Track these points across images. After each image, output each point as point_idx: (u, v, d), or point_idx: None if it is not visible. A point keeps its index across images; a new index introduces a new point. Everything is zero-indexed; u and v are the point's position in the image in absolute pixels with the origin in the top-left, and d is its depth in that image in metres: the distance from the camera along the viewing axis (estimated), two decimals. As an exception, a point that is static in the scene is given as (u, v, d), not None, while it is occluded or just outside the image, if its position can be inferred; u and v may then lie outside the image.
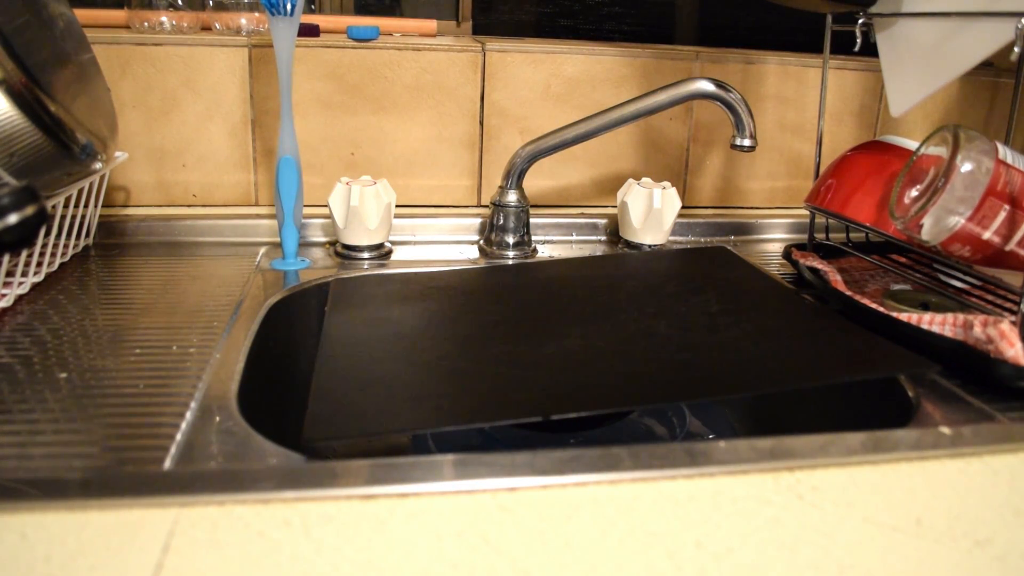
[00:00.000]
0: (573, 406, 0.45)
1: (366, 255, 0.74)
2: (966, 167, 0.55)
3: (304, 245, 0.77)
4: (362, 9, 1.01)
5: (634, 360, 0.52)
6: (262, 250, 0.75)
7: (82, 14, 0.71)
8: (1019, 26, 0.55)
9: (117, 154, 0.74)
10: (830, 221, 0.73)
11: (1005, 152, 0.56)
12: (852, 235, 0.76)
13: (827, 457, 0.40)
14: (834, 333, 0.56)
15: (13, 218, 0.38)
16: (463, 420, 0.45)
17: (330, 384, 0.48)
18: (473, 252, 0.79)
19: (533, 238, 0.82)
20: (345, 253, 0.74)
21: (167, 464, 0.39)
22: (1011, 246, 0.56)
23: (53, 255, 0.66)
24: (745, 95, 0.71)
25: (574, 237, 0.85)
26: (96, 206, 0.71)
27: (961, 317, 0.54)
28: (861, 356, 0.52)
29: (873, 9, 0.70)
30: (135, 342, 0.53)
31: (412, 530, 0.34)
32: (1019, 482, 0.39)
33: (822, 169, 0.74)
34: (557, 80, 0.86)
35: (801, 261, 0.70)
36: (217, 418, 0.44)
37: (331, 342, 0.55)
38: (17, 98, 0.53)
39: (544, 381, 0.49)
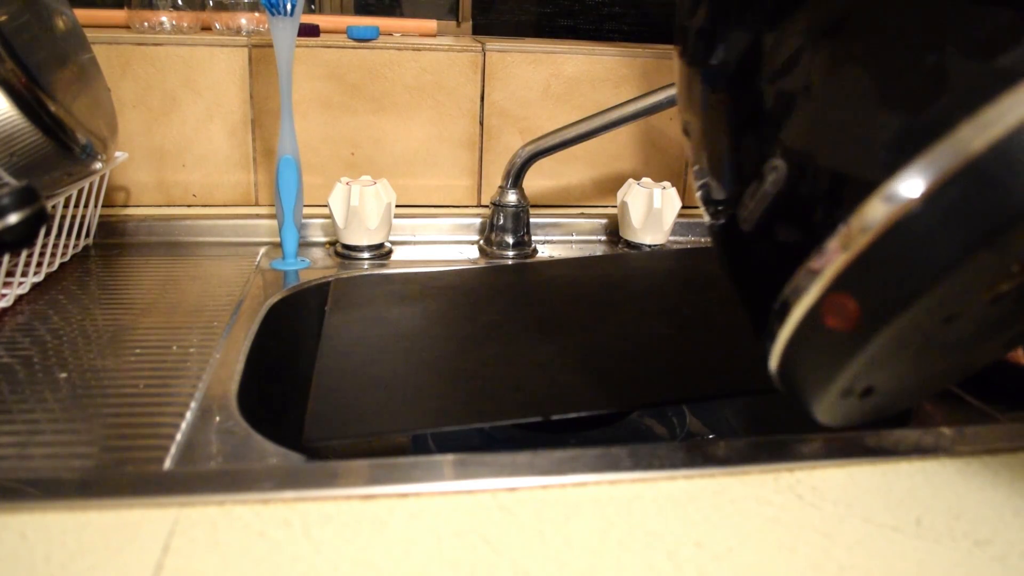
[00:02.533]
0: (573, 406, 0.45)
1: (366, 255, 0.74)
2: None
3: (304, 245, 0.77)
4: (362, 9, 1.01)
5: (634, 360, 0.52)
6: (262, 250, 0.75)
7: (82, 14, 0.71)
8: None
9: (117, 154, 0.74)
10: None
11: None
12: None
13: (827, 457, 0.40)
14: None
15: (13, 218, 0.38)
16: (463, 420, 0.45)
17: (330, 384, 0.48)
18: (473, 252, 0.79)
19: (533, 238, 0.82)
20: (345, 253, 0.74)
21: (167, 464, 0.39)
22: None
23: (53, 255, 0.66)
24: (745, 95, 0.71)
25: (574, 237, 0.85)
26: (96, 206, 0.71)
27: (961, 317, 0.54)
28: None
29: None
30: (135, 342, 0.53)
31: (412, 530, 0.34)
32: (1019, 482, 0.39)
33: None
34: (557, 80, 0.86)
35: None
36: (217, 418, 0.44)
37: (331, 342, 0.55)
38: (17, 98, 0.53)
39: (544, 381, 0.49)
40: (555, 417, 0.44)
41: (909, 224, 0.25)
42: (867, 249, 0.26)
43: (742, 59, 0.33)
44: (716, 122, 0.35)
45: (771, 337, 0.31)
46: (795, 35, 0.31)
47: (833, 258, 0.27)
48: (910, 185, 0.25)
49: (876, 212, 0.26)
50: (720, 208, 0.35)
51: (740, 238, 0.33)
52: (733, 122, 0.34)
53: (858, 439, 0.42)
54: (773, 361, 0.32)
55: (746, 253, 0.34)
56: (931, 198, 0.25)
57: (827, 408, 0.33)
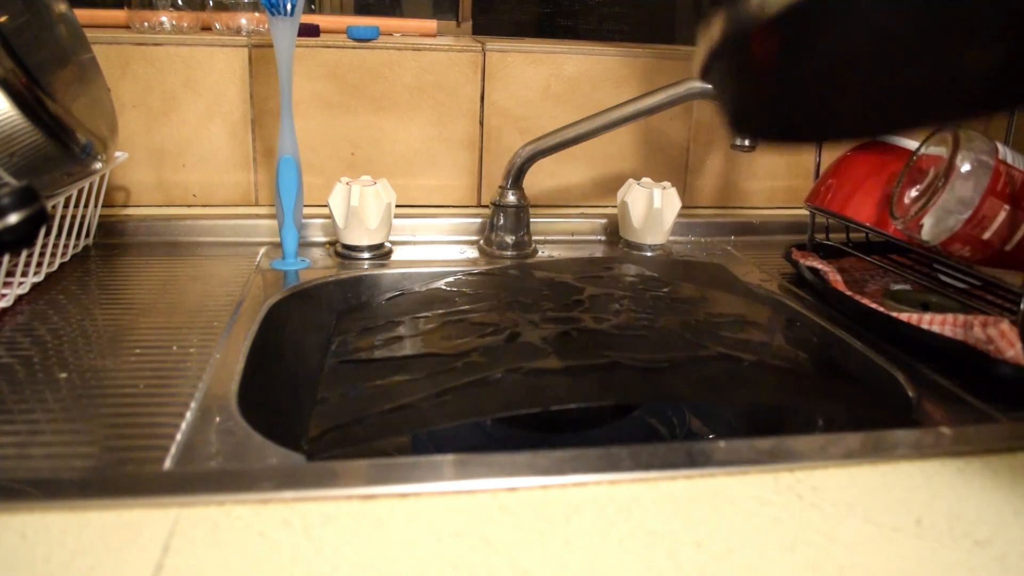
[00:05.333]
0: (572, 399, 0.45)
1: (366, 255, 0.74)
2: (966, 167, 0.55)
3: (304, 245, 0.77)
4: (362, 9, 1.01)
5: (633, 359, 0.52)
6: (262, 250, 0.75)
7: (82, 14, 0.71)
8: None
9: (117, 154, 0.74)
10: (830, 221, 0.73)
11: (1005, 152, 0.56)
12: (852, 235, 0.76)
13: (827, 457, 0.40)
14: (816, 365, 0.56)
15: (13, 218, 0.38)
16: (463, 415, 0.45)
17: (332, 393, 0.48)
18: (473, 252, 0.79)
19: (533, 238, 0.82)
20: (345, 253, 0.74)
21: (167, 464, 0.39)
22: (1011, 246, 0.56)
23: (53, 255, 0.66)
24: (745, 95, 0.70)
25: (574, 237, 0.85)
26: (96, 206, 0.71)
27: (961, 317, 0.54)
28: (833, 392, 0.53)
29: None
30: (135, 342, 0.53)
31: (412, 530, 0.34)
32: (1019, 482, 0.39)
33: (822, 169, 0.74)
34: (557, 80, 0.86)
35: (801, 261, 0.70)
36: (217, 418, 0.44)
37: (333, 351, 0.55)
38: (17, 98, 0.53)
39: (545, 377, 0.49)
40: (555, 408, 0.44)
41: None
42: None
43: None
44: None
45: None
46: None
47: None
48: None
49: None
50: None
51: None
52: None
53: (858, 439, 0.42)
54: None
55: None
56: None
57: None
